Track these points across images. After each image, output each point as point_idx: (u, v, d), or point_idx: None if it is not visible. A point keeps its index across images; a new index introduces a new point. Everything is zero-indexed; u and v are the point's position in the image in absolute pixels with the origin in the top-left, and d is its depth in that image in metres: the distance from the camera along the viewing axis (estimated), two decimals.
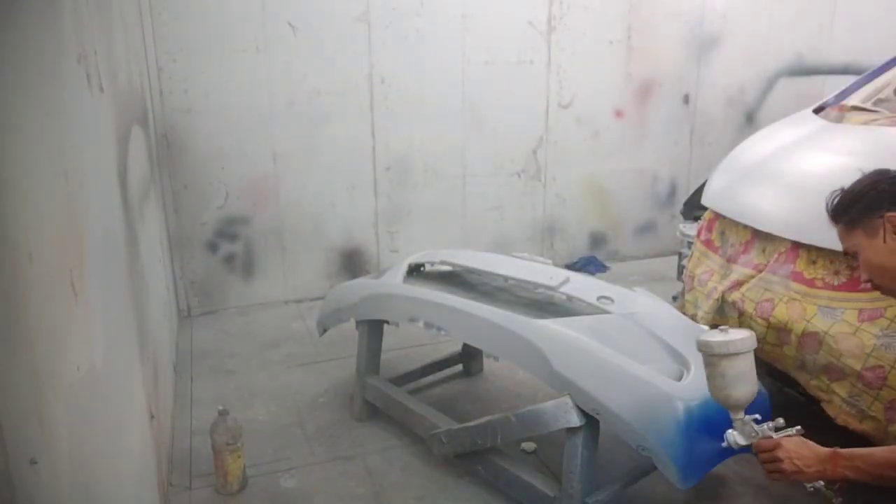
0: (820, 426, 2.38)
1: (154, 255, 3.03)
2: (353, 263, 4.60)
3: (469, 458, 2.47)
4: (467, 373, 3.35)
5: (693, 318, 2.76)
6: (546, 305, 2.53)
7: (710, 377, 1.70)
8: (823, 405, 2.24)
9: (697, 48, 5.09)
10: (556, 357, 2.10)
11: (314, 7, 4.09)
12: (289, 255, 4.44)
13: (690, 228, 3.23)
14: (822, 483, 1.58)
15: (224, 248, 4.29)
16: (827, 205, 1.65)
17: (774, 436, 1.62)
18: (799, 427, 1.65)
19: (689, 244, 3.15)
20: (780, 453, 1.57)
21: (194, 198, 4.15)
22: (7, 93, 1.05)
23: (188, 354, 3.69)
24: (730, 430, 1.68)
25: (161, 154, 3.97)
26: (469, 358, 3.32)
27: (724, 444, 1.69)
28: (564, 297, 2.53)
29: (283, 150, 4.25)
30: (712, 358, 1.68)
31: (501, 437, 2.32)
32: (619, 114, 5.04)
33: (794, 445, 1.58)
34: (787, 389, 2.60)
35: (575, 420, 2.04)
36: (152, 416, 2.21)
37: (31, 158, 1.15)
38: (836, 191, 1.63)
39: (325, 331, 3.09)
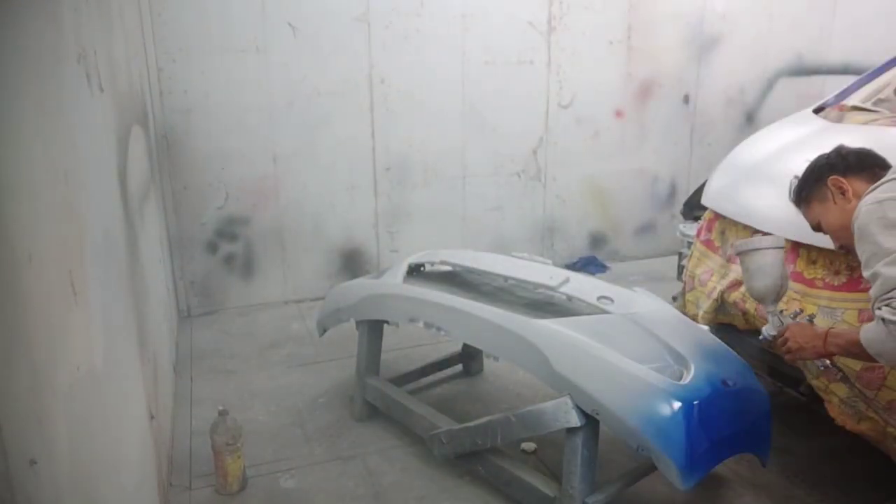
0: (821, 427, 2.39)
1: (154, 255, 3.03)
2: (353, 263, 4.60)
3: (469, 458, 2.47)
4: (467, 373, 3.35)
5: (693, 317, 2.76)
6: (546, 305, 2.53)
7: (742, 273, 1.99)
8: (826, 405, 2.25)
9: (697, 48, 5.09)
10: (556, 357, 2.10)
11: (314, 7, 4.09)
12: (289, 255, 4.44)
13: (690, 228, 3.23)
14: (828, 361, 1.87)
15: (224, 249, 4.29)
16: (789, 195, 2.00)
17: (793, 321, 1.92)
18: (812, 314, 2.05)
19: (689, 244, 3.15)
20: (788, 334, 1.86)
21: (194, 198, 4.15)
22: (7, 93, 1.05)
23: (188, 354, 3.69)
24: (765, 326, 1.94)
25: (161, 154, 3.97)
26: (469, 358, 3.32)
27: (761, 338, 1.96)
28: (564, 297, 2.52)
29: (282, 150, 4.25)
30: (739, 256, 1.97)
31: (501, 437, 2.32)
32: (619, 114, 5.04)
33: (798, 328, 1.86)
34: (788, 389, 2.61)
35: (575, 420, 2.04)
36: (152, 417, 2.21)
37: (31, 158, 1.15)
38: (792, 179, 1.97)
39: (324, 331, 3.09)
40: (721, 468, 2.43)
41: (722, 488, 2.45)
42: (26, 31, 1.19)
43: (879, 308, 1.56)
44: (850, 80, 3.31)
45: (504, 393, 3.18)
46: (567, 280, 2.52)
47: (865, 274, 1.63)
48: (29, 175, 1.12)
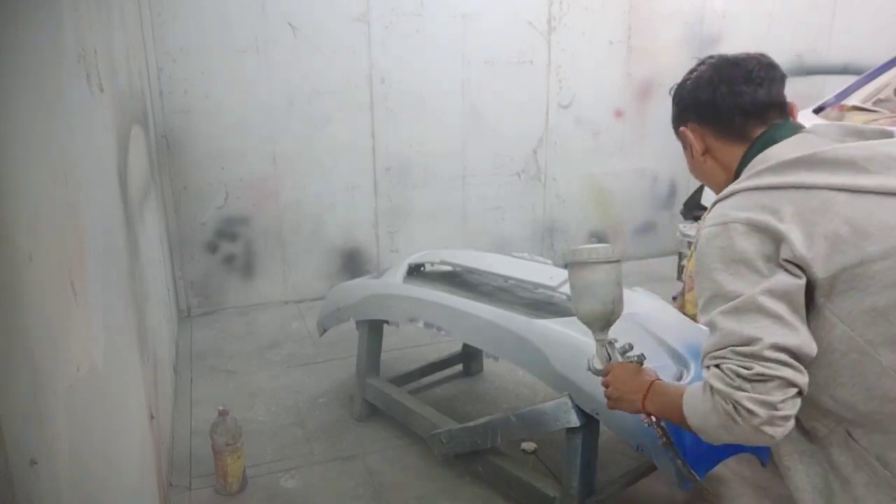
0: None
1: (154, 255, 3.03)
2: (353, 263, 4.60)
3: (469, 458, 2.47)
4: (467, 373, 3.35)
5: (693, 317, 2.76)
6: (546, 305, 2.53)
7: (571, 290, 1.59)
8: None
9: (697, 48, 5.09)
10: (556, 357, 2.10)
11: (314, 7, 4.09)
12: (289, 255, 4.44)
13: (690, 228, 3.24)
14: (651, 420, 1.45)
15: (224, 249, 4.29)
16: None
17: (620, 360, 1.51)
18: (641, 353, 1.52)
19: (689, 244, 3.15)
20: (609, 378, 1.47)
21: (194, 198, 4.15)
22: (7, 93, 1.05)
23: (188, 354, 3.69)
24: (592, 356, 1.57)
25: (161, 154, 3.97)
26: (469, 358, 3.32)
27: (587, 369, 1.58)
28: (564, 297, 2.52)
29: (282, 150, 4.25)
30: (567, 268, 1.59)
31: (501, 437, 2.32)
32: (619, 114, 5.04)
33: (623, 372, 1.46)
34: None
35: (575, 420, 2.04)
36: (152, 416, 2.21)
37: (31, 158, 1.15)
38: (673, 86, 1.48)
39: (325, 331, 3.09)
40: (721, 468, 2.43)
41: (722, 488, 2.45)
42: (26, 30, 1.19)
43: (708, 367, 1.14)
44: (850, 80, 3.31)
45: (504, 393, 3.18)
46: (567, 280, 2.52)
47: (701, 319, 1.20)
48: (29, 175, 1.12)
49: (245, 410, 3.04)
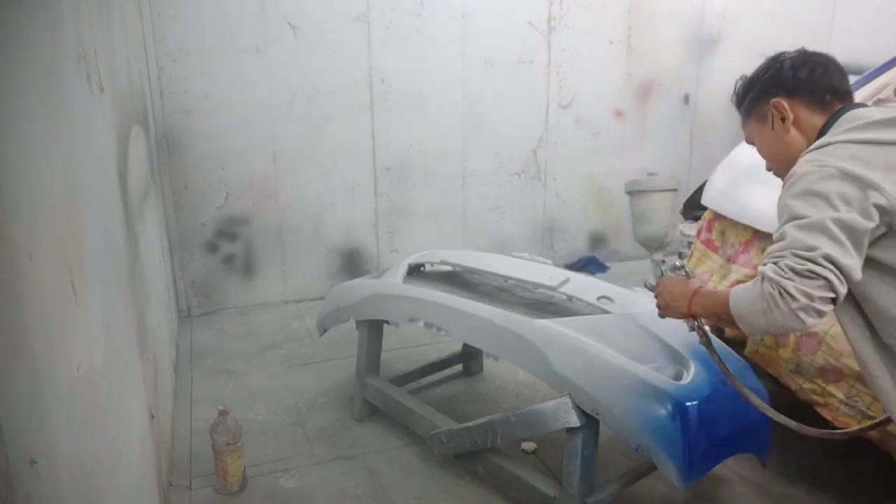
0: (821, 427, 2.38)
1: (154, 255, 3.03)
2: (353, 263, 4.60)
3: (469, 458, 2.47)
4: (467, 373, 3.35)
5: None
6: (546, 305, 2.53)
7: (631, 217, 1.89)
8: (818, 409, 2.24)
9: (697, 48, 5.09)
10: (556, 357, 2.10)
11: (314, 7, 4.10)
12: (289, 255, 4.44)
13: (690, 228, 3.23)
14: (696, 323, 1.69)
15: (224, 249, 4.29)
16: (732, 94, 1.75)
17: (671, 275, 1.73)
18: (690, 269, 1.76)
19: (689, 244, 3.15)
20: (660, 288, 1.70)
21: (194, 198, 4.15)
22: (7, 93, 1.05)
23: (188, 354, 3.69)
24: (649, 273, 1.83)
25: (161, 154, 3.97)
26: (469, 358, 3.32)
27: (644, 286, 1.81)
28: (564, 297, 2.53)
29: (283, 150, 4.25)
30: (628, 197, 1.87)
31: (501, 437, 2.32)
32: (619, 114, 5.04)
33: (671, 283, 1.68)
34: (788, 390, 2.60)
35: (575, 420, 2.04)
36: (152, 416, 2.21)
37: (31, 158, 1.15)
38: (739, 78, 1.72)
39: (325, 331, 3.09)
40: (721, 468, 2.43)
41: (722, 488, 2.45)
42: (27, 30, 1.19)
43: (765, 264, 1.35)
44: (850, 80, 3.30)
45: (504, 393, 3.18)
46: (567, 280, 2.52)
47: (774, 236, 1.40)
48: (29, 174, 1.12)
49: (245, 410, 3.04)
